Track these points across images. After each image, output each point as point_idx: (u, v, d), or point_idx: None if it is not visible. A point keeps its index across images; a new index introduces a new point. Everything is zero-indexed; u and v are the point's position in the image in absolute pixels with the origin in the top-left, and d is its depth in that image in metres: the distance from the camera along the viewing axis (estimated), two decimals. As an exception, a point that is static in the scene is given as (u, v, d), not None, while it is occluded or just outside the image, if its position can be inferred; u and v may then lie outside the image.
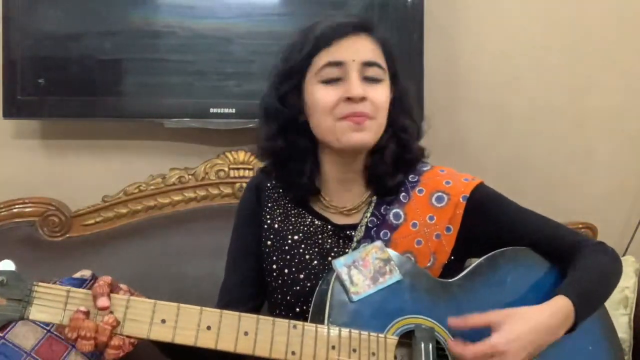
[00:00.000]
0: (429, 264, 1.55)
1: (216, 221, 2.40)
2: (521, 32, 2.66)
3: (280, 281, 1.60)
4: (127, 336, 1.28)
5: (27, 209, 2.48)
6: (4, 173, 2.56)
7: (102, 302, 1.26)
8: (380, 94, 1.53)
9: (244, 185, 2.37)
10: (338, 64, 1.51)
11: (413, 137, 1.63)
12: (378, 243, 1.49)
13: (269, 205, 1.67)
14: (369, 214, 1.61)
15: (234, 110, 2.43)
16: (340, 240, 1.60)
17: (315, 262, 1.58)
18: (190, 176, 2.54)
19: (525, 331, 1.34)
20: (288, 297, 1.58)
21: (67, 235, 2.49)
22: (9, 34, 2.38)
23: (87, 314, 1.25)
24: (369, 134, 1.52)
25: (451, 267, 1.57)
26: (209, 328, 1.29)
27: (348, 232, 1.60)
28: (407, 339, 1.41)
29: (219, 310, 1.31)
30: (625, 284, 2.41)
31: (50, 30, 2.40)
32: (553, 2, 2.65)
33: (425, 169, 1.66)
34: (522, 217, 1.61)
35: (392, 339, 1.38)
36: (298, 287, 1.57)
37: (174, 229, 2.47)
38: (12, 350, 2.01)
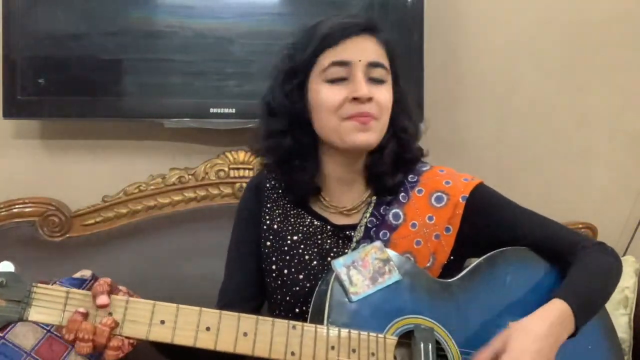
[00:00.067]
0: (428, 264, 1.55)
1: (216, 221, 2.41)
2: (521, 32, 2.66)
3: (279, 282, 1.60)
4: (126, 337, 1.28)
5: (27, 209, 2.49)
6: (4, 173, 2.56)
7: (102, 300, 1.27)
8: (385, 95, 1.53)
9: (244, 185, 2.38)
10: (344, 63, 1.51)
11: (413, 137, 1.63)
12: (377, 243, 1.49)
13: (269, 205, 1.67)
14: (368, 214, 1.60)
15: (234, 110, 2.43)
16: (340, 241, 1.60)
17: (315, 262, 1.58)
18: (190, 176, 2.54)
19: (529, 342, 1.34)
20: (287, 298, 1.58)
21: (67, 235, 2.49)
22: (9, 34, 2.38)
23: (85, 315, 1.25)
24: (374, 134, 1.52)
25: (451, 267, 1.57)
26: (208, 329, 1.29)
27: (347, 232, 1.60)
28: (406, 339, 1.41)
29: (218, 311, 1.31)
30: (625, 284, 2.41)
31: (50, 30, 2.40)
32: (553, 2, 2.65)
33: (424, 169, 1.65)
34: (521, 217, 1.61)
35: (392, 339, 1.38)
36: (297, 288, 1.57)
37: (174, 229, 2.47)
38: (12, 350, 2.01)
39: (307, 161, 1.60)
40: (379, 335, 1.37)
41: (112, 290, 1.29)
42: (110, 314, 1.27)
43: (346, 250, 1.57)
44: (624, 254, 2.64)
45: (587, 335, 1.49)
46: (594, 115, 2.70)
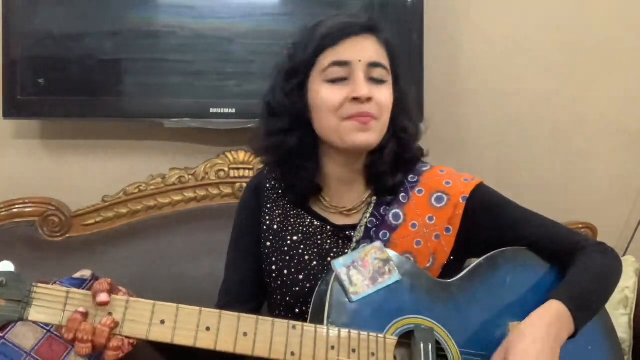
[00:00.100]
0: (428, 265, 1.55)
1: (216, 221, 2.41)
2: (521, 32, 2.66)
3: (279, 282, 1.60)
4: (126, 337, 1.28)
5: (27, 209, 2.49)
6: (4, 173, 2.56)
7: (102, 297, 1.27)
8: (385, 95, 1.53)
9: (244, 185, 2.38)
10: (344, 63, 1.51)
11: (413, 137, 1.63)
12: (377, 243, 1.48)
13: (268, 206, 1.66)
14: (368, 215, 1.60)
15: (234, 110, 2.44)
16: (340, 241, 1.60)
17: (315, 262, 1.58)
18: (190, 176, 2.54)
19: (529, 344, 1.33)
20: (287, 298, 1.58)
21: (67, 235, 2.49)
22: (9, 34, 2.38)
23: (85, 315, 1.25)
24: (374, 134, 1.52)
25: (450, 268, 1.57)
26: (208, 329, 1.29)
27: (347, 232, 1.60)
28: (406, 339, 1.41)
29: (218, 311, 1.31)
30: (625, 284, 2.41)
31: (50, 30, 2.40)
32: (553, 2, 2.65)
33: (424, 169, 1.65)
34: (521, 218, 1.61)
35: (392, 339, 1.38)
36: (297, 288, 1.57)
37: (174, 229, 2.47)
38: (12, 350, 2.01)
39: (308, 161, 1.60)
40: (379, 335, 1.37)
41: (112, 290, 1.29)
42: (110, 313, 1.27)
43: (346, 251, 1.57)
44: (624, 254, 2.64)
45: (587, 335, 1.49)
46: (594, 115, 2.70)
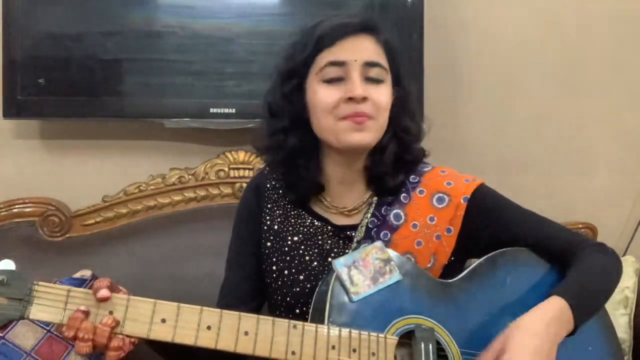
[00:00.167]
0: (429, 265, 1.55)
1: (216, 221, 2.41)
2: (521, 32, 2.66)
3: (280, 282, 1.60)
4: (127, 336, 1.28)
5: (27, 209, 2.49)
6: (4, 173, 2.56)
7: (103, 293, 1.27)
8: (382, 95, 1.53)
9: (244, 185, 2.39)
10: (340, 63, 1.51)
11: (414, 138, 1.63)
12: (378, 243, 1.48)
13: (269, 206, 1.66)
14: (369, 215, 1.60)
15: (234, 110, 2.44)
16: (340, 241, 1.60)
17: (315, 263, 1.58)
18: (190, 176, 2.54)
19: (528, 340, 1.33)
20: (288, 299, 1.58)
21: (67, 235, 2.49)
22: (9, 34, 2.38)
23: (86, 313, 1.25)
24: (370, 134, 1.52)
25: (451, 268, 1.57)
26: (209, 328, 1.29)
27: (348, 232, 1.60)
28: (407, 339, 1.41)
29: (219, 310, 1.31)
30: (625, 284, 2.41)
31: (50, 30, 2.40)
32: (553, 2, 2.66)
33: (426, 169, 1.65)
34: (522, 218, 1.61)
35: (392, 339, 1.38)
36: (298, 289, 1.57)
37: (174, 229, 2.47)
38: (12, 350, 2.01)
39: (309, 161, 1.60)
40: (380, 335, 1.37)
41: (112, 289, 1.29)
42: (110, 312, 1.27)
43: (347, 251, 1.57)
44: (624, 254, 2.64)
45: (587, 336, 1.49)
46: (594, 115, 2.70)
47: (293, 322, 1.34)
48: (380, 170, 1.59)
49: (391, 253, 1.48)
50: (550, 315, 1.38)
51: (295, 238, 1.61)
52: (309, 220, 1.62)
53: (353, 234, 1.59)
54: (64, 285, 1.30)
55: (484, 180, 1.64)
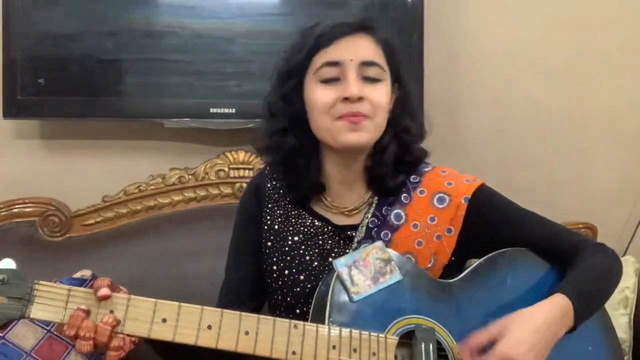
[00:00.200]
0: (429, 265, 1.55)
1: (216, 221, 2.41)
2: (521, 32, 2.66)
3: (280, 282, 1.60)
4: (128, 335, 1.28)
5: (27, 209, 2.48)
6: (4, 173, 2.56)
7: (104, 291, 1.27)
8: (379, 94, 1.53)
9: (244, 185, 2.39)
10: (336, 63, 1.52)
11: (416, 138, 1.63)
12: (379, 243, 1.49)
13: (270, 206, 1.66)
14: (370, 215, 1.60)
15: (234, 110, 2.43)
16: (341, 241, 1.60)
17: (316, 263, 1.58)
18: (190, 176, 2.54)
19: (528, 333, 1.34)
20: (288, 299, 1.58)
21: (67, 235, 2.49)
22: (9, 34, 2.38)
23: (87, 312, 1.26)
24: (366, 134, 1.52)
25: (452, 268, 1.57)
26: (209, 327, 1.29)
27: (349, 232, 1.60)
28: (407, 339, 1.41)
29: (219, 310, 1.31)
30: (625, 284, 2.41)
31: (50, 30, 2.40)
32: (553, 2, 2.66)
33: (426, 169, 1.65)
34: (522, 219, 1.61)
35: (393, 339, 1.38)
36: (298, 289, 1.57)
37: (174, 229, 2.47)
38: (12, 350, 2.00)
39: (309, 161, 1.61)
40: (380, 335, 1.38)
41: (112, 289, 1.29)
42: (111, 311, 1.27)
43: (347, 251, 1.57)
44: (624, 254, 2.64)
45: (587, 336, 1.50)
46: (594, 115, 2.70)
47: (294, 321, 1.34)
48: (381, 171, 1.59)
49: (392, 253, 1.48)
50: (553, 313, 1.38)
51: (296, 238, 1.61)
52: (309, 220, 1.62)
53: (353, 233, 1.59)
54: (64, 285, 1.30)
55: (484, 180, 1.64)
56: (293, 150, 1.60)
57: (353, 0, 2.51)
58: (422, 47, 2.48)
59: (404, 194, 1.61)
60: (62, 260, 2.36)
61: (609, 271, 1.56)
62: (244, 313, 1.32)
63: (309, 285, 1.56)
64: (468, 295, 1.51)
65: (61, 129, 2.57)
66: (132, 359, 1.36)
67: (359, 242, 1.58)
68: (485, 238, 1.58)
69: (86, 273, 2.16)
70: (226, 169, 2.53)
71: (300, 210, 1.64)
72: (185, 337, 1.28)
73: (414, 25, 2.48)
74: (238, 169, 2.54)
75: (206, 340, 1.29)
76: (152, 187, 2.52)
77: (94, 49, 2.41)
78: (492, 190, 1.64)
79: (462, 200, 1.57)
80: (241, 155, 2.54)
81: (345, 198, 1.63)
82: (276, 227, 1.64)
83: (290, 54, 1.59)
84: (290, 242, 1.61)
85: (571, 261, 1.53)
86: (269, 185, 1.68)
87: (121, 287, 1.33)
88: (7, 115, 2.40)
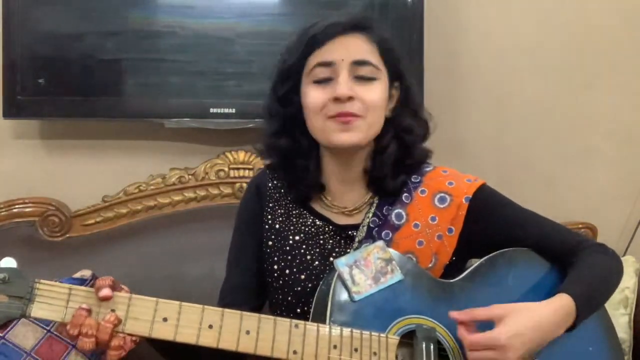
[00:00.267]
0: (430, 265, 1.55)
1: (216, 221, 2.41)
2: (521, 32, 2.66)
3: (281, 282, 1.60)
4: (129, 334, 1.28)
5: (27, 209, 2.49)
6: (4, 173, 2.56)
7: (105, 292, 1.27)
8: (372, 93, 1.52)
9: (244, 185, 2.39)
10: (328, 64, 1.52)
11: (418, 138, 1.62)
12: (380, 243, 1.49)
13: (270, 205, 1.66)
14: (370, 214, 1.60)
15: (234, 110, 2.44)
16: (342, 241, 1.60)
17: (317, 262, 1.58)
18: (190, 176, 2.54)
19: (528, 327, 1.34)
20: (289, 298, 1.58)
21: (67, 235, 2.49)
22: (9, 34, 2.38)
23: (89, 311, 1.26)
24: (358, 134, 1.51)
25: (452, 268, 1.57)
26: (210, 327, 1.29)
27: (349, 232, 1.60)
28: (408, 339, 1.41)
29: (220, 309, 1.31)
30: (625, 284, 2.41)
31: (50, 30, 2.40)
32: (553, 1, 2.66)
33: (428, 169, 1.65)
34: (523, 219, 1.61)
35: (394, 339, 1.38)
36: (299, 288, 1.57)
37: (174, 229, 2.47)
38: (12, 350, 2.01)
39: (307, 161, 1.61)
40: (381, 335, 1.37)
41: (114, 288, 1.29)
42: (112, 310, 1.27)
43: (348, 250, 1.57)
44: (624, 254, 2.64)
45: (588, 336, 1.50)
46: (594, 115, 2.70)
47: (295, 321, 1.34)
48: (381, 172, 1.59)
49: (393, 253, 1.48)
50: (558, 312, 1.39)
51: (297, 237, 1.61)
52: (310, 220, 1.62)
53: (354, 233, 1.59)
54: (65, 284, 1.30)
55: (484, 180, 1.64)
56: (290, 151, 1.60)
57: (353, 0, 2.52)
58: (422, 47, 2.48)
59: (404, 194, 1.60)
60: (62, 260, 2.37)
61: (609, 271, 1.56)
62: (245, 312, 1.32)
63: (309, 285, 1.56)
64: (469, 295, 1.50)
65: (61, 129, 2.57)
66: (132, 358, 1.36)
67: (360, 242, 1.57)
68: (486, 238, 1.58)
69: (86, 273, 2.16)
70: (226, 169, 2.54)
71: (301, 210, 1.64)
72: (186, 336, 1.28)
73: (414, 25, 2.48)
74: (238, 169, 2.54)
75: (207, 340, 1.28)
76: (152, 187, 2.53)
77: (94, 49, 2.41)
78: (493, 190, 1.64)
79: (463, 200, 1.57)
80: (241, 155, 2.54)
81: (346, 198, 1.63)
82: (277, 226, 1.64)
83: (286, 56, 1.60)
84: (291, 242, 1.61)
85: (572, 261, 1.53)
86: (269, 184, 1.68)
87: (122, 286, 1.33)
88: (7, 115, 2.40)
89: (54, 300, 1.26)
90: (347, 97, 1.49)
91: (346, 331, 1.35)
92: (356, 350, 1.35)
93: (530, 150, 2.70)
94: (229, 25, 2.44)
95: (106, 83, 2.44)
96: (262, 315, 1.33)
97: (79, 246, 2.45)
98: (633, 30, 2.69)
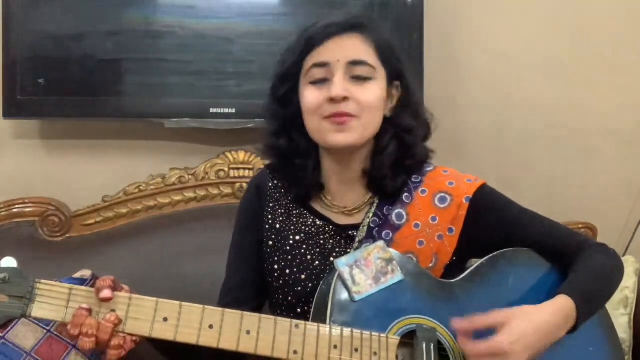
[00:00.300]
0: (430, 265, 1.55)
1: (216, 221, 2.41)
2: (521, 32, 2.66)
3: (281, 282, 1.60)
4: (129, 334, 1.28)
5: (27, 209, 2.48)
6: (4, 173, 2.56)
7: (105, 293, 1.27)
8: (368, 93, 1.52)
9: (244, 185, 2.39)
10: (324, 64, 1.52)
11: (418, 138, 1.62)
12: (380, 243, 1.48)
13: (271, 205, 1.66)
14: (371, 214, 1.60)
15: (234, 110, 2.43)
16: (342, 241, 1.60)
17: (317, 262, 1.58)
18: (190, 176, 2.54)
19: (529, 332, 1.34)
20: (289, 298, 1.58)
21: (67, 235, 2.49)
22: (9, 34, 2.38)
23: (89, 311, 1.26)
24: (353, 134, 1.51)
25: (453, 268, 1.57)
26: (211, 327, 1.29)
27: (350, 232, 1.60)
28: (408, 339, 1.41)
29: (221, 309, 1.31)
30: (625, 284, 2.41)
31: (50, 30, 2.40)
32: (553, 2, 2.66)
33: (428, 169, 1.65)
34: (524, 219, 1.61)
35: (394, 339, 1.38)
36: (299, 288, 1.57)
37: (174, 229, 2.47)
38: (12, 350, 2.00)
39: (306, 160, 1.61)
40: (382, 335, 1.37)
41: (115, 288, 1.29)
42: (113, 310, 1.27)
43: (348, 250, 1.57)
44: (624, 254, 2.64)
45: (588, 336, 1.50)
46: (594, 115, 2.70)
47: (295, 321, 1.34)
48: (380, 173, 1.58)
49: (393, 253, 1.48)
50: (557, 314, 1.38)
51: (297, 237, 1.61)
52: (310, 220, 1.62)
53: (355, 233, 1.59)
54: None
55: (484, 180, 1.64)
56: (289, 152, 1.61)
57: (353, 0, 2.52)
58: (422, 47, 2.48)
59: (405, 194, 1.60)
60: (62, 260, 2.36)
61: (610, 272, 1.56)
62: (245, 312, 1.32)
63: (310, 285, 1.56)
64: (469, 295, 1.50)
65: (61, 129, 2.57)
66: (132, 358, 1.36)
67: (361, 242, 1.57)
68: (486, 238, 1.58)
69: (86, 273, 2.16)
70: (226, 169, 2.53)
71: (302, 210, 1.64)
72: (187, 336, 1.28)
73: (414, 25, 2.48)
74: (238, 169, 2.54)
75: (208, 340, 1.28)
76: (152, 187, 2.53)
77: (94, 49, 2.41)
78: (494, 190, 1.64)
79: (464, 200, 1.57)
80: (241, 155, 2.54)
81: (345, 197, 1.63)
82: (277, 226, 1.64)
83: (285, 56, 1.60)
84: (291, 242, 1.61)
85: (572, 261, 1.53)
86: (270, 184, 1.68)
87: (123, 286, 1.33)
88: (7, 115, 2.40)
89: (54, 300, 1.26)
90: (341, 98, 1.49)
91: (346, 331, 1.35)
92: (356, 350, 1.35)
93: (530, 150, 2.70)
94: (229, 25, 2.44)
95: (106, 83, 2.44)
96: (263, 315, 1.33)
97: (79, 246, 2.45)
98: (633, 30, 2.69)
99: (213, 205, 2.54)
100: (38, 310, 1.25)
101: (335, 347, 1.34)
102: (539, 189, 2.69)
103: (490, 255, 1.56)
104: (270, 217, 1.65)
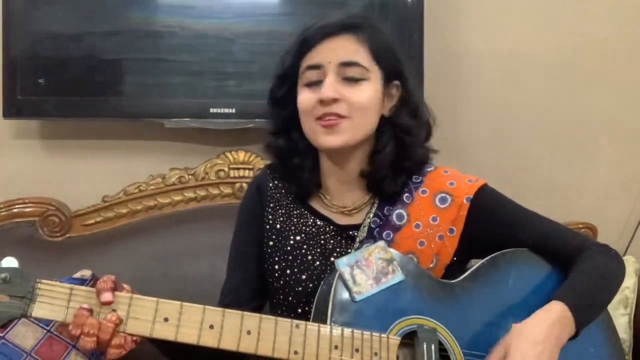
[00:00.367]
0: (431, 265, 1.55)
1: (216, 221, 2.41)
2: (521, 32, 2.66)
3: (282, 282, 1.60)
4: (130, 334, 1.28)
5: (27, 209, 2.48)
6: (4, 173, 2.56)
7: (106, 297, 1.27)
8: (360, 94, 1.52)
9: (244, 185, 2.40)
10: (317, 66, 1.53)
11: (418, 138, 1.62)
12: (381, 243, 1.48)
13: (271, 205, 1.66)
14: (371, 215, 1.60)
15: (234, 110, 2.43)
16: (343, 241, 1.60)
17: (318, 262, 1.58)
18: (190, 176, 2.53)
19: (529, 347, 1.33)
20: (290, 298, 1.59)
21: (67, 235, 2.49)
22: (9, 34, 2.38)
23: (90, 311, 1.26)
24: (343, 135, 1.51)
25: (454, 268, 1.57)
26: (211, 327, 1.29)
27: (350, 232, 1.60)
28: (409, 339, 1.41)
29: (221, 309, 1.31)
30: (625, 284, 2.40)
31: (50, 30, 2.40)
32: (553, 2, 2.65)
33: (429, 169, 1.65)
34: (525, 219, 1.61)
35: (395, 339, 1.38)
36: (300, 288, 1.57)
37: (174, 229, 2.47)
38: (12, 350, 2.00)
39: (305, 160, 1.62)
40: (382, 335, 1.37)
41: (116, 288, 1.29)
42: (114, 310, 1.27)
43: (349, 250, 1.57)
44: (624, 254, 2.63)
45: (590, 337, 1.49)
46: (594, 114, 2.70)
47: (296, 321, 1.34)
48: (379, 174, 1.58)
49: (394, 253, 1.48)
50: (550, 321, 1.38)
51: (298, 237, 1.61)
52: (311, 220, 1.62)
53: (355, 233, 1.59)
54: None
55: (485, 180, 1.64)
56: (287, 151, 1.62)
57: (353, 0, 2.52)
58: (422, 47, 2.47)
59: (405, 194, 1.60)
60: (62, 260, 2.36)
61: (610, 274, 1.55)
62: (246, 312, 1.32)
63: (310, 285, 1.56)
64: (470, 295, 1.50)
65: (61, 129, 2.57)
66: (132, 358, 1.36)
67: (361, 242, 1.57)
68: (487, 238, 1.58)
69: (86, 273, 2.16)
70: (226, 169, 2.53)
71: (302, 210, 1.64)
72: (187, 336, 1.28)
73: (414, 25, 2.48)
74: (238, 169, 2.54)
75: (208, 340, 1.28)
76: (152, 187, 2.52)
77: (94, 49, 2.40)
78: (494, 191, 1.64)
79: (464, 200, 1.57)
80: (241, 155, 2.54)
81: (345, 197, 1.63)
82: (278, 226, 1.64)
83: (284, 58, 1.61)
84: (292, 242, 1.61)
85: (573, 262, 1.52)
86: (270, 184, 1.68)
87: (124, 285, 1.33)
88: (7, 115, 2.39)
89: (55, 300, 1.26)
90: (331, 99, 1.49)
91: (347, 331, 1.35)
92: (357, 350, 1.35)
93: (530, 150, 2.70)
94: (229, 25, 2.44)
95: (106, 83, 2.43)
96: (263, 316, 1.33)
97: (79, 246, 2.45)
98: (633, 30, 2.68)
99: (213, 205, 2.54)
100: (39, 310, 1.25)
101: (336, 347, 1.34)
102: (539, 189, 2.68)
103: (491, 255, 1.56)
104: (270, 217, 1.65)
